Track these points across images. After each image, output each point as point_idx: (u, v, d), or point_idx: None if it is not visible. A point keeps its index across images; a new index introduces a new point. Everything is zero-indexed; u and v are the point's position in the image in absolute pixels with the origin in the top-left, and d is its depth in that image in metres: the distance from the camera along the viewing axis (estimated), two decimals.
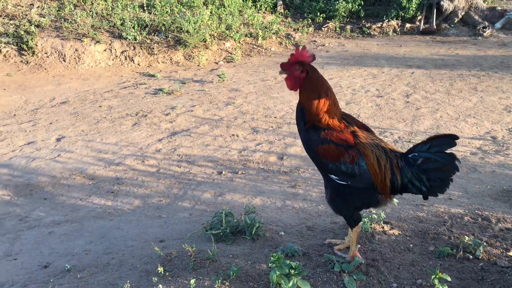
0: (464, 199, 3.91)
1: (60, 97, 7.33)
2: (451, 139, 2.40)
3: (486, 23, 11.64)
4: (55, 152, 5.22)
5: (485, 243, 2.94)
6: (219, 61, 9.46)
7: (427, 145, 2.43)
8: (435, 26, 11.66)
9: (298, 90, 2.56)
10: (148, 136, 5.67)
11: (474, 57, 9.37)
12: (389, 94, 7.09)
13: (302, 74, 2.50)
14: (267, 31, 10.72)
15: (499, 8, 12.20)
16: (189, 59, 9.35)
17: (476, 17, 11.88)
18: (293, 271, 2.33)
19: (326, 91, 2.48)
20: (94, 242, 3.42)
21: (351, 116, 2.65)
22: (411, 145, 5.39)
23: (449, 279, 2.35)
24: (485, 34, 11.31)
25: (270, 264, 2.34)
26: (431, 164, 2.41)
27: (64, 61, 8.73)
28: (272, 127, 5.89)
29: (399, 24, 11.96)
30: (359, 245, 2.85)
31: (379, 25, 11.87)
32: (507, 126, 5.74)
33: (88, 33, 9.02)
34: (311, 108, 2.47)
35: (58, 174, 4.70)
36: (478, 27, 11.49)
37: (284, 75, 2.57)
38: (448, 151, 2.41)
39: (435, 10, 11.80)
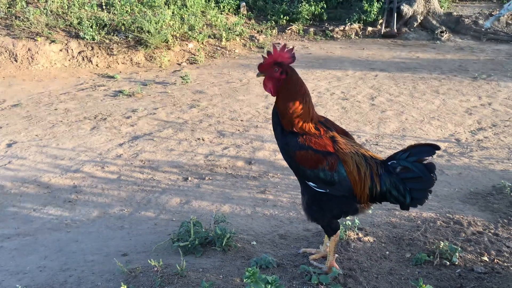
0: (435, 203, 3.89)
1: (11, 99, 6.87)
2: (431, 148, 2.32)
3: (444, 28, 11.96)
4: (5, 159, 4.85)
5: (460, 248, 2.90)
6: (182, 63, 9.21)
7: (406, 153, 2.34)
8: (396, 30, 11.88)
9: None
10: (108, 140, 5.37)
11: (434, 61, 9.57)
12: (355, 97, 7.09)
13: (281, 76, 2.35)
14: (231, 32, 10.56)
15: (455, 13, 12.58)
16: (151, 60, 9.05)
17: (434, 22, 12.18)
18: (269, 286, 2.17)
19: (304, 94, 2.35)
20: (50, 257, 3.14)
21: (330, 120, 2.53)
22: (379, 148, 5.44)
23: None
24: (443, 38, 11.61)
25: (245, 280, 2.18)
26: (409, 173, 2.32)
27: (16, 61, 8.22)
28: (239, 130, 5.73)
29: (361, 27, 12.09)
30: (336, 255, 2.74)
31: (341, 28, 11.96)
32: (469, 128, 5.84)
33: (43, 32, 8.55)
34: (288, 112, 2.34)
35: (9, 183, 4.34)
36: (436, 32, 11.79)
37: (262, 77, 2.42)
38: (426, 161, 2.33)
39: (395, 14, 12.01)
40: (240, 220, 3.64)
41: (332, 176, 2.31)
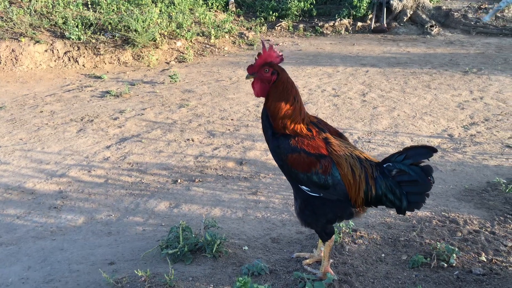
0: (430, 201, 3.81)
1: None
2: (428, 151, 2.23)
3: (433, 22, 11.93)
4: None
5: (457, 249, 2.82)
6: (170, 61, 9.07)
7: (402, 155, 2.25)
8: (385, 25, 11.82)
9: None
10: (94, 143, 5.24)
11: (424, 55, 9.53)
12: (346, 93, 7.01)
13: (272, 77, 2.25)
14: (220, 30, 10.43)
15: (444, 7, 12.55)
16: (138, 59, 8.90)
17: (424, 16, 12.15)
18: None
19: (295, 95, 2.25)
20: (33, 267, 3.02)
21: (322, 121, 2.43)
22: (371, 145, 5.36)
23: None
24: (432, 32, 11.57)
25: None
26: (405, 176, 2.24)
27: None
28: (229, 130, 5.62)
29: (351, 22, 12.02)
30: (331, 260, 2.65)
31: (331, 23, 11.87)
32: (462, 123, 5.78)
33: (26, 32, 8.36)
34: (280, 114, 2.23)
35: None
36: (426, 26, 11.75)
37: (252, 79, 2.31)
38: (423, 164, 2.24)
39: (385, 9, 11.96)
40: (231, 223, 3.54)
41: (325, 179, 2.22)
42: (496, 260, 2.78)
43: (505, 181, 3.92)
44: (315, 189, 2.26)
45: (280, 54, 2.27)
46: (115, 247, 3.25)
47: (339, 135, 2.40)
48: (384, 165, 2.29)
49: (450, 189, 4.10)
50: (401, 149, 2.30)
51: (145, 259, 2.94)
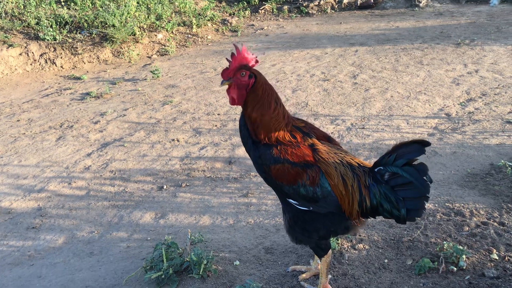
0: (432, 190, 3.53)
1: None
2: (419, 146, 1.96)
3: None
4: None
5: (465, 247, 2.60)
6: (152, 55, 8.72)
7: (393, 155, 1.98)
8: (372, 0, 11.45)
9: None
10: (75, 151, 4.96)
11: (414, 29, 9.21)
12: (336, 77, 6.72)
13: (250, 81, 1.97)
14: (202, 18, 10.05)
15: None
16: (119, 55, 8.54)
17: None
18: None
19: (276, 99, 1.98)
20: None
21: (309, 123, 2.16)
22: (365, 132, 5.10)
23: None
24: (421, 4, 11.23)
25: None
26: (399, 179, 1.97)
27: None
28: (216, 126, 5.34)
29: (337, 0, 11.64)
30: (330, 276, 2.41)
31: (316, 2, 11.50)
32: (459, 100, 5.53)
33: None
34: (261, 122, 1.97)
35: None
36: None
37: (227, 85, 2.03)
38: (417, 162, 1.98)
39: None
40: (221, 232, 3.30)
41: (314, 191, 1.96)
42: (509, 257, 2.56)
43: (510, 164, 3.68)
44: (304, 203, 2.01)
45: (254, 56, 1.99)
46: (97, 270, 3.00)
47: (327, 139, 2.14)
48: (376, 170, 2.03)
49: (452, 175, 3.87)
50: (390, 148, 2.03)
51: (128, 283, 2.70)
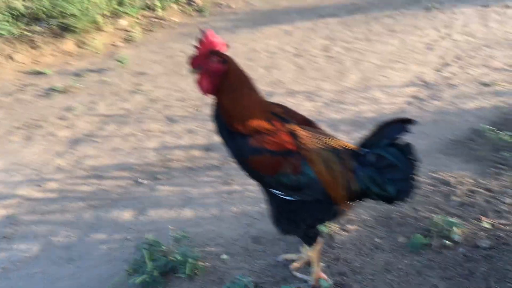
0: None
1: None
2: (403, 124, 1.86)
3: None
4: None
5: (456, 218, 2.54)
6: (117, 43, 8.35)
7: (376, 135, 1.88)
8: None
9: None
10: (44, 151, 4.71)
11: None
12: (308, 51, 6.57)
13: (221, 67, 1.81)
14: (166, 0, 9.68)
15: None
16: (82, 46, 8.14)
17: None
18: None
19: (250, 83, 1.83)
20: None
21: (288, 108, 2.02)
22: (343, 106, 5.01)
23: None
24: None
25: None
26: (384, 161, 1.87)
27: None
28: (190, 112, 5.15)
29: None
30: (322, 264, 2.32)
31: None
32: (434, 66, 5.47)
33: None
34: (237, 110, 1.82)
35: None
36: None
37: (197, 74, 1.87)
38: (402, 141, 1.88)
39: None
40: (205, 224, 3.17)
41: (298, 180, 1.85)
42: (500, 224, 2.52)
43: (490, 127, 3.64)
44: (288, 192, 1.90)
45: (225, 40, 1.83)
46: (78, 277, 2.86)
47: (308, 123, 2.01)
48: (360, 152, 1.92)
49: (434, 144, 3.82)
50: (374, 128, 1.93)
51: None
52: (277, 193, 1.92)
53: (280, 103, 2.25)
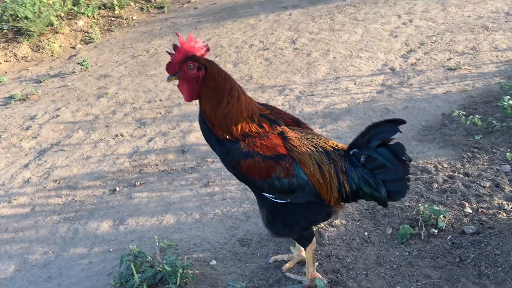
0: None
1: None
2: (393, 125, 1.85)
3: None
4: None
5: (440, 206, 2.58)
6: (76, 45, 8.06)
7: (366, 136, 1.86)
8: None
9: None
10: (9, 164, 4.48)
11: None
12: (275, 44, 6.54)
13: (200, 73, 1.74)
14: None
15: None
16: (39, 50, 7.81)
17: None
18: None
19: (233, 88, 1.78)
20: None
21: (275, 108, 1.97)
22: (315, 99, 5.01)
23: None
24: None
25: None
26: (375, 162, 1.86)
27: None
28: (160, 113, 5.03)
29: None
30: (316, 263, 2.30)
31: None
32: (400, 53, 5.55)
33: None
34: (218, 118, 1.76)
35: None
36: None
37: (175, 81, 1.79)
38: (392, 142, 1.88)
39: None
40: (189, 230, 3.10)
41: (290, 183, 1.81)
42: (482, 208, 2.57)
43: (461, 111, 3.72)
44: (281, 195, 1.86)
45: (205, 43, 1.75)
46: None
47: (297, 123, 1.97)
48: (351, 153, 1.90)
49: (408, 131, 3.87)
50: (364, 129, 1.91)
51: None
52: (270, 196, 1.88)
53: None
